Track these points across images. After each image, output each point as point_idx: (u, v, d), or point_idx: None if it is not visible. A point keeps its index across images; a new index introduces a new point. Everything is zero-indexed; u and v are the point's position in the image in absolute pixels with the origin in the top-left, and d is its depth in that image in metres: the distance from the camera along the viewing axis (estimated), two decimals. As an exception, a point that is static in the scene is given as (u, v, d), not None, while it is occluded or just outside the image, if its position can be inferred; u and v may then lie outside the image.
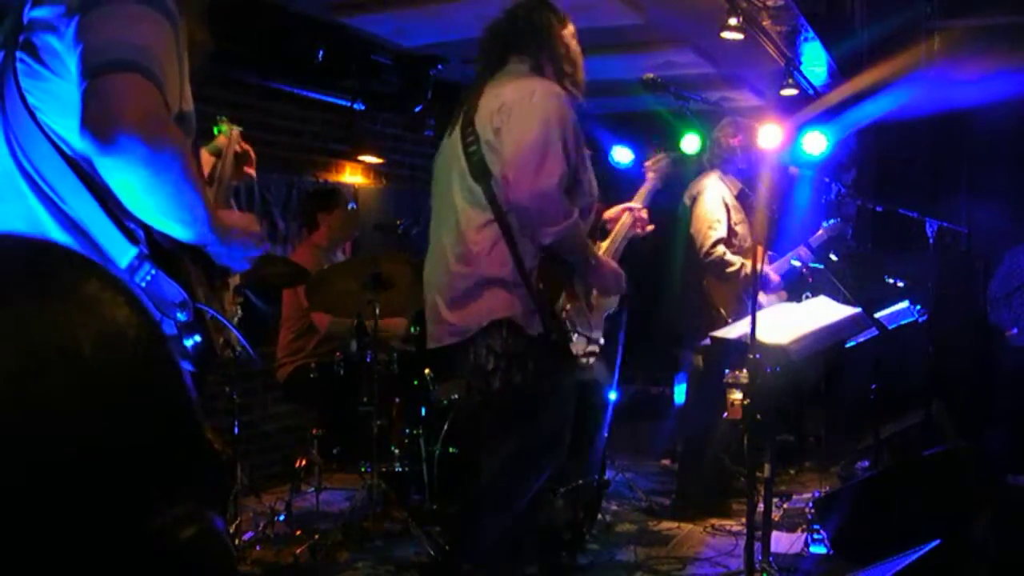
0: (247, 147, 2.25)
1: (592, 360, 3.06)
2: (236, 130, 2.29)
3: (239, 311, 2.01)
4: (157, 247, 1.67)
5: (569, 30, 3.03)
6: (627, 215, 3.47)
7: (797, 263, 5.11)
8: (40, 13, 1.67)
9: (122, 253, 1.64)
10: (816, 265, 5.16)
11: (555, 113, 2.80)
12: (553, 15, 3.01)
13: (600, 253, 3.22)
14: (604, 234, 3.48)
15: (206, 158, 2.19)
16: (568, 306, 2.88)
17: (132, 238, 1.65)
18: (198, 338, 1.70)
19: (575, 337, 2.90)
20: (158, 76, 1.59)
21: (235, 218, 1.85)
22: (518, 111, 2.80)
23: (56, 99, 1.66)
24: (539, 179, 2.72)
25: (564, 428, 3.08)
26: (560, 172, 2.75)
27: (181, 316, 1.66)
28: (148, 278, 1.64)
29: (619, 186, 4.57)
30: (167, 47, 1.65)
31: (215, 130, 2.28)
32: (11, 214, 1.69)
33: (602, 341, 3.13)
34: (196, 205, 1.63)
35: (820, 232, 5.29)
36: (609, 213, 3.51)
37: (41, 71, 1.67)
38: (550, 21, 2.98)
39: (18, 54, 1.69)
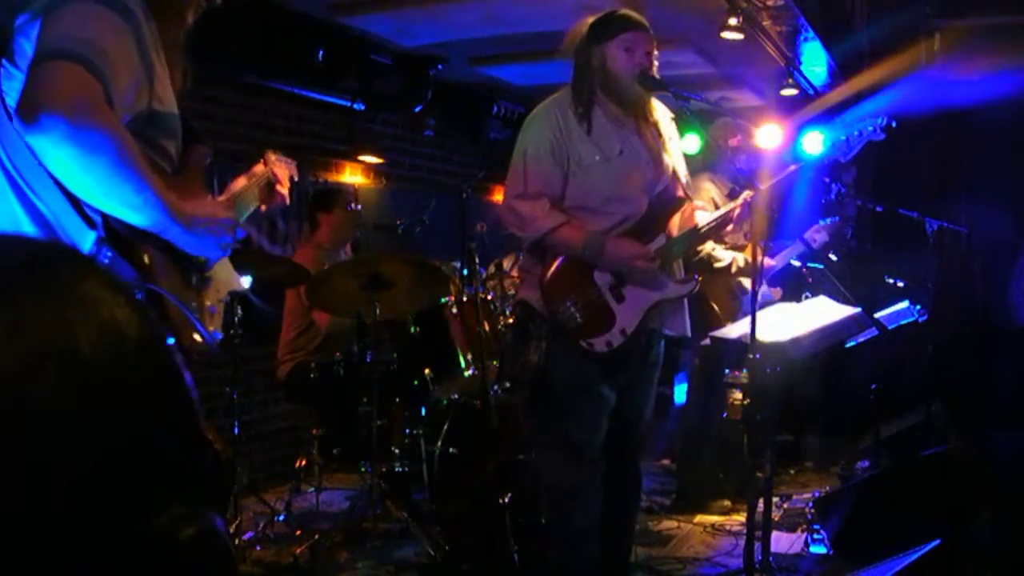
0: (282, 178, 2.34)
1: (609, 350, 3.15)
2: (283, 163, 2.36)
3: (222, 307, 2.05)
4: (113, 232, 1.73)
5: (612, 42, 3.10)
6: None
7: (796, 262, 5.10)
8: (18, 21, 1.77)
9: (83, 239, 1.70)
10: (816, 265, 5.16)
11: (528, 134, 3.18)
12: (590, 33, 3.15)
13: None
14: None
15: (241, 182, 2.28)
16: (569, 304, 3.11)
17: (90, 223, 1.71)
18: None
19: (578, 332, 3.11)
20: (98, 67, 1.64)
21: (203, 206, 1.89)
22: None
23: None
24: (504, 198, 3.24)
25: (573, 415, 3.18)
26: (517, 188, 3.14)
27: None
28: (105, 260, 1.71)
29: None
30: (118, 44, 1.70)
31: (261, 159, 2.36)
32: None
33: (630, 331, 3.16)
34: (142, 190, 1.67)
35: (817, 228, 5.27)
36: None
37: (15, 72, 1.75)
38: (584, 39, 3.16)
39: (3, 60, 1.79)
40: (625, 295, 3.15)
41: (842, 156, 3.48)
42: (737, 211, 3.38)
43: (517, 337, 3.29)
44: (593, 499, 3.19)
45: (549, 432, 3.26)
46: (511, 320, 3.36)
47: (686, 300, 3.36)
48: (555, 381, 3.20)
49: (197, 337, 1.88)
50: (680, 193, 3.30)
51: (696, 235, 3.37)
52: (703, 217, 3.42)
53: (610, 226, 3.15)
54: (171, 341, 1.76)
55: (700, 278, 3.36)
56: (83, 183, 1.65)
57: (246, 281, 2.17)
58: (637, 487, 3.47)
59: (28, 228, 1.72)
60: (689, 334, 3.43)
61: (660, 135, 3.25)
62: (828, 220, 5.29)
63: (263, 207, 2.34)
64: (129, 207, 1.69)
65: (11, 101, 1.73)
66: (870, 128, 3.47)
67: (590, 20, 3.17)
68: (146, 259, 1.76)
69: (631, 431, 3.31)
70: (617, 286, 3.16)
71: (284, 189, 2.35)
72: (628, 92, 3.12)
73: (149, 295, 1.74)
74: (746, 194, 3.40)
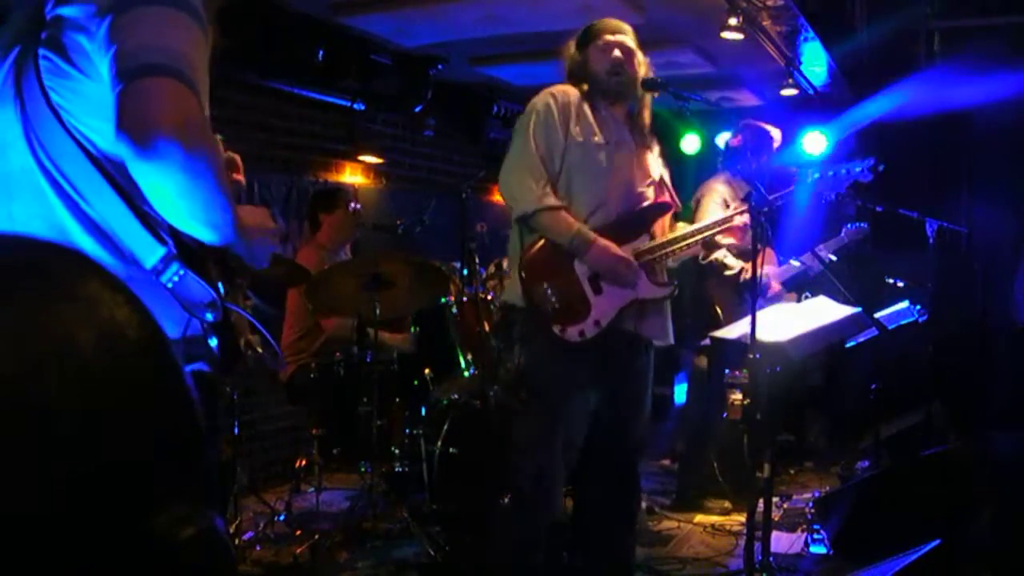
0: (233, 155, 2.23)
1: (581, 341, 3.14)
2: (219, 139, 2.26)
3: (251, 312, 1.99)
4: (184, 247, 1.65)
5: (599, 43, 3.30)
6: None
7: (797, 263, 5.10)
8: (69, 11, 1.65)
9: (149, 253, 1.62)
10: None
11: (539, 99, 3.26)
12: (576, 44, 3.36)
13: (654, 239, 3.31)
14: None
15: None
16: (547, 287, 3.14)
17: (159, 238, 1.63)
18: (217, 340, 1.68)
19: (553, 317, 3.13)
20: (193, 82, 1.57)
21: (251, 216, 1.82)
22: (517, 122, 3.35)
23: (83, 98, 1.64)
24: (507, 165, 3.24)
25: (550, 416, 3.18)
26: (526, 154, 3.17)
27: (209, 316, 1.64)
28: (176, 278, 1.63)
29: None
30: (199, 53, 1.64)
31: None
32: (30, 214, 1.66)
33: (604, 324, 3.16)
34: (225, 210, 1.61)
35: (841, 236, 5.27)
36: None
37: (68, 70, 1.64)
38: (575, 60, 3.35)
39: (41, 51, 1.67)
40: (603, 287, 3.18)
41: (830, 191, 3.63)
42: (732, 222, 3.44)
43: (503, 342, 3.29)
44: (556, 503, 3.26)
45: (533, 433, 3.23)
46: (497, 322, 3.36)
47: (668, 306, 3.36)
48: (539, 380, 3.21)
49: (253, 338, 1.81)
50: (666, 198, 3.35)
51: (681, 241, 3.36)
52: (687, 226, 3.45)
53: (594, 207, 3.20)
54: (214, 341, 1.69)
55: (677, 283, 3.36)
56: (178, 206, 1.57)
57: None
58: (636, 491, 3.47)
59: (80, 237, 1.64)
60: (672, 341, 3.41)
61: (649, 146, 3.38)
62: (853, 226, 5.29)
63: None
64: (212, 226, 1.62)
65: (59, 99, 1.64)
66: (858, 169, 3.60)
67: (579, 33, 3.40)
68: (212, 272, 1.69)
69: (626, 437, 3.31)
70: (596, 277, 3.19)
71: (240, 172, 2.26)
72: (605, 85, 3.27)
73: (223, 314, 1.67)
74: (732, 210, 3.44)
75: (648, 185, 3.31)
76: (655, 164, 3.37)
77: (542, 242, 3.17)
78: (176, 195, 1.55)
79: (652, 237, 3.29)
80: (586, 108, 3.24)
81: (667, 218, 3.39)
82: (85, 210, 1.64)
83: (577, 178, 3.19)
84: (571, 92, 3.27)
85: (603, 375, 3.22)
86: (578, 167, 3.19)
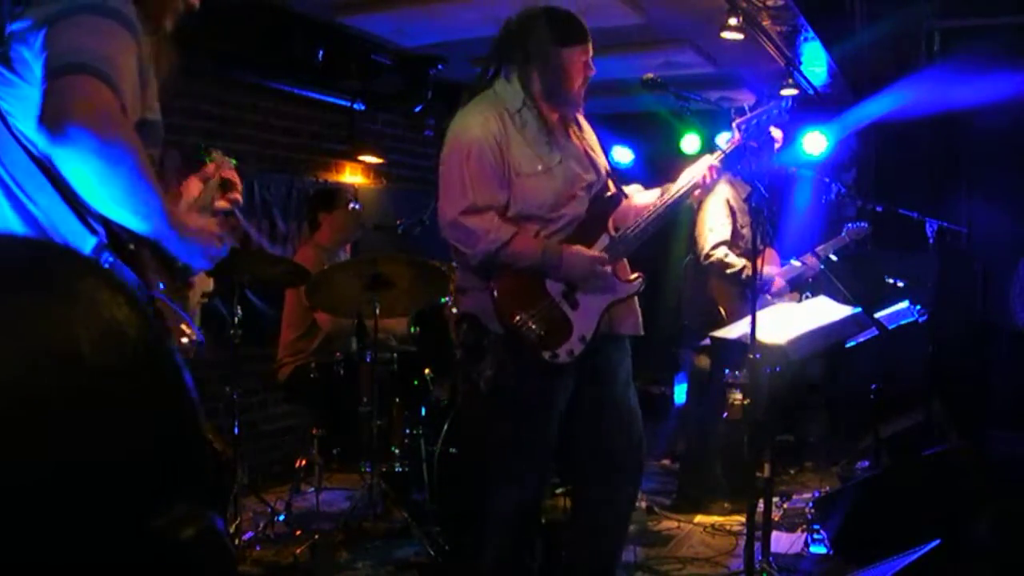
0: (234, 177, 2.27)
1: (573, 359, 3.06)
2: (227, 161, 2.30)
3: (200, 309, 2.10)
4: (115, 238, 1.78)
5: (575, 49, 3.07)
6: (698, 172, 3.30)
7: (797, 263, 5.11)
8: (15, 27, 1.81)
9: (82, 243, 1.75)
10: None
11: (464, 139, 3.06)
12: (552, 31, 3.07)
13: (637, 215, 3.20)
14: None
15: (195, 184, 2.23)
16: (524, 314, 3.01)
17: (92, 230, 1.76)
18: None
19: (540, 344, 3.01)
20: (113, 80, 1.70)
21: (195, 219, 1.95)
22: (445, 145, 3.17)
23: (25, 103, 1.77)
24: (446, 212, 3.07)
25: (532, 431, 3.10)
26: (463, 202, 3.01)
27: None
28: (106, 266, 1.75)
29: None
30: (125, 56, 1.77)
31: (206, 159, 2.29)
32: None
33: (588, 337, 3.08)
34: (150, 199, 1.73)
35: (842, 236, 5.26)
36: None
37: (13, 79, 1.79)
38: (544, 34, 3.07)
39: None
40: (579, 301, 3.09)
41: (755, 139, 3.52)
42: (668, 201, 3.26)
43: (470, 353, 3.12)
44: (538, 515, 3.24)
45: (520, 451, 3.14)
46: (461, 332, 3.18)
47: (636, 299, 3.27)
48: (516, 399, 3.10)
49: (184, 340, 1.92)
50: (614, 191, 3.25)
51: (639, 231, 3.25)
52: (645, 198, 3.31)
53: (556, 230, 3.10)
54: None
55: (643, 275, 3.24)
56: (99, 192, 1.70)
57: (210, 282, 2.22)
58: (637, 487, 3.45)
59: (17, 228, 1.76)
60: (642, 332, 3.32)
61: (584, 132, 3.25)
62: (854, 225, 5.28)
63: (221, 204, 2.24)
64: (138, 215, 1.74)
65: (6, 106, 1.79)
66: (775, 112, 3.50)
67: (542, 13, 3.10)
68: (144, 262, 1.82)
69: (630, 431, 3.26)
70: (570, 293, 3.10)
71: (238, 192, 2.28)
72: (575, 99, 3.12)
73: (149, 301, 1.79)
74: (667, 187, 3.30)
75: (599, 183, 3.21)
76: (596, 155, 3.23)
77: (507, 273, 3.03)
78: (96, 181, 1.68)
79: (610, 234, 3.19)
80: (515, 132, 3.06)
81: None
82: (28, 207, 1.78)
83: (537, 208, 3.07)
84: (501, 111, 3.08)
85: (586, 380, 3.15)
86: (533, 199, 3.05)
